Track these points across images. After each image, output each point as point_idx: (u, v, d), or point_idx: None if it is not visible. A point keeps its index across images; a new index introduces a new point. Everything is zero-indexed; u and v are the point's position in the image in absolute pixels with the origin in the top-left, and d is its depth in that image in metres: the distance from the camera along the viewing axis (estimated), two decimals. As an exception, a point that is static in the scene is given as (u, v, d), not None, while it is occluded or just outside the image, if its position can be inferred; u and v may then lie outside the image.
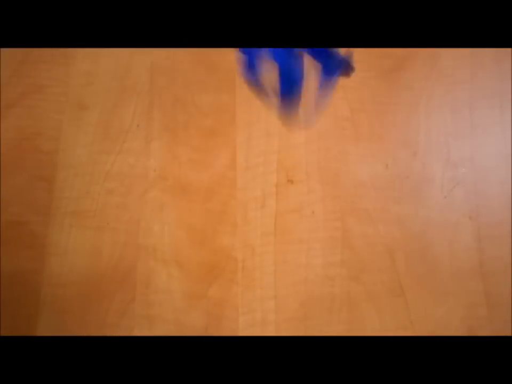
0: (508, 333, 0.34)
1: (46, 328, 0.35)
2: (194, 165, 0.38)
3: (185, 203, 0.37)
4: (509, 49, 0.39)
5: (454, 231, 0.36)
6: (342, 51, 0.33)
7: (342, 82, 0.39)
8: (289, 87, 0.28)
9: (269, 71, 0.27)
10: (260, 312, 0.35)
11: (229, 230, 0.37)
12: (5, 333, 0.35)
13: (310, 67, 0.30)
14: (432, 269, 0.36)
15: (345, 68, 0.32)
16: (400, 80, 0.39)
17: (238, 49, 0.27)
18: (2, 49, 0.40)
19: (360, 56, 0.40)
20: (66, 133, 0.39)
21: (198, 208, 0.35)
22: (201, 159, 0.38)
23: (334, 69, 0.30)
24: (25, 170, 0.37)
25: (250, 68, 0.27)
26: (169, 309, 0.35)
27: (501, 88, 0.38)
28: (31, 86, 0.40)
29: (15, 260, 0.36)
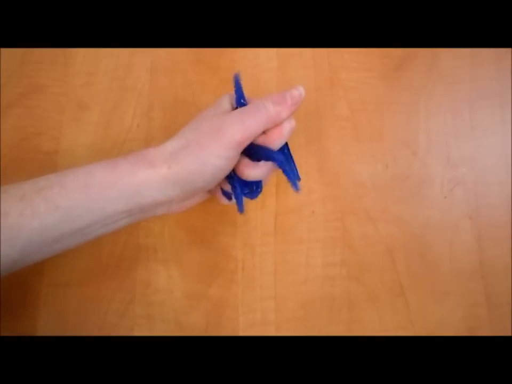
0: (508, 333, 0.34)
1: (46, 328, 0.35)
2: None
3: (185, 203, 0.37)
4: (509, 49, 0.39)
5: (454, 231, 0.36)
6: None
7: (342, 82, 0.39)
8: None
9: None
10: (260, 312, 0.35)
11: (229, 230, 0.37)
12: (5, 333, 0.35)
13: None
14: (432, 269, 0.36)
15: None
16: (400, 80, 0.39)
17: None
18: (2, 49, 0.40)
19: (360, 56, 0.40)
20: (66, 133, 0.39)
21: (198, 208, 0.35)
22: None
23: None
24: (25, 170, 0.37)
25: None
26: (169, 309, 0.35)
27: (501, 88, 0.38)
28: (31, 86, 0.40)
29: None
